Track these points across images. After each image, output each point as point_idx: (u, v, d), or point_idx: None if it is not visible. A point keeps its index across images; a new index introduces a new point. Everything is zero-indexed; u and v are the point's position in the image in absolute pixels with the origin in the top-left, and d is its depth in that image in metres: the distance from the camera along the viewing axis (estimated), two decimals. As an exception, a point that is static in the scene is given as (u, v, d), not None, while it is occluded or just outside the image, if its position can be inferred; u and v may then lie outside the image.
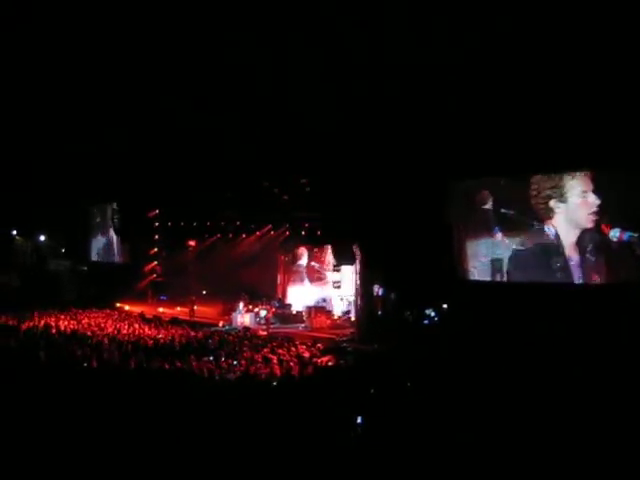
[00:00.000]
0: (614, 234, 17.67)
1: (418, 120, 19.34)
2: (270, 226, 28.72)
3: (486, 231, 20.42)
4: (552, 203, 18.70)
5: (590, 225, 18.07)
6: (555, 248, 18.73)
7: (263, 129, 22.03)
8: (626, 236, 17.43)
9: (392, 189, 20.98)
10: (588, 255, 18.21)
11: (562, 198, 18.55)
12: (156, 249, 31.25)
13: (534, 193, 19.00)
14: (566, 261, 18.59)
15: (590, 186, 18.01)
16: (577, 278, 18.48)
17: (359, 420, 10.06)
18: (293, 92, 19.92)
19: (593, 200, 17.97)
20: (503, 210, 19.91)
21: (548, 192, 18.75)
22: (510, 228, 19.77)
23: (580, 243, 18.29)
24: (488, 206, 20.25)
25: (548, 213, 18.82)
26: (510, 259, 19.80)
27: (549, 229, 18.79)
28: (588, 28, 15.46)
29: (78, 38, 18.87)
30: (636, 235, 17.27)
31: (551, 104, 17.18)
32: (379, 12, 16.58)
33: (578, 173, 18.25)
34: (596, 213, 17.91)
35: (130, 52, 19.34)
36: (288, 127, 21.44)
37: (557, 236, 18.68)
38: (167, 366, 14.83)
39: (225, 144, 23.29)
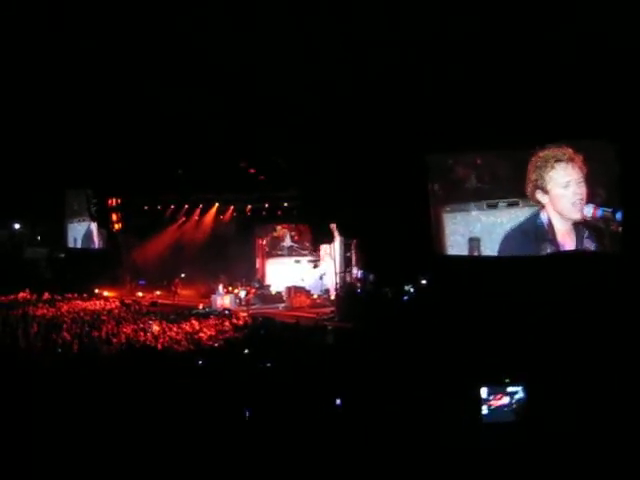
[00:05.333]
0: (588, 210, 17.79)
1: (396, 95, 19.23)
2: (249, 207, 28.52)
3: (464, 207, 20.44)
4: (539, 195, 18.81)
5: (578, 216, 18.20)
6: (545, 232, 18.86)
7: (238, 109, 21.85)
8: (599, 212, 17.55)
9: (369, 165, 20.92)
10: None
11: (545, 189, 18.67)
12: (133, 234, 30.96)
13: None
14: (553, 236, 18.74)
15: (574, 176, 18.08)
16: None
17: (338, 402, 10.09)
18: (268, 70, 19.74)
19: (575, 189, 18.07)
20: (482, 186, 19.97)
21: (534, 181, 18.81)
22: (489, 206, 19.85)
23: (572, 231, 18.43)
24: (468, 182, 20.26)
25: (538, 201, 18.95)
26: (491, 237, 19.86)
27: (543, 216, 18.87)
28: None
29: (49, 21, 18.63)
30: (609, 210, 17.38)
31: (530, 77, 17.17)
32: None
33: (557, 164, 18.29)
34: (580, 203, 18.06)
35: (103, 33, 19.08)
36: (264, 106, 21.27)
37: (550, 223, 18.79)
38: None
39: (200, 125, 23.09)
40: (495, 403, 10.19)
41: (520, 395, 10.21)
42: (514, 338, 13.82)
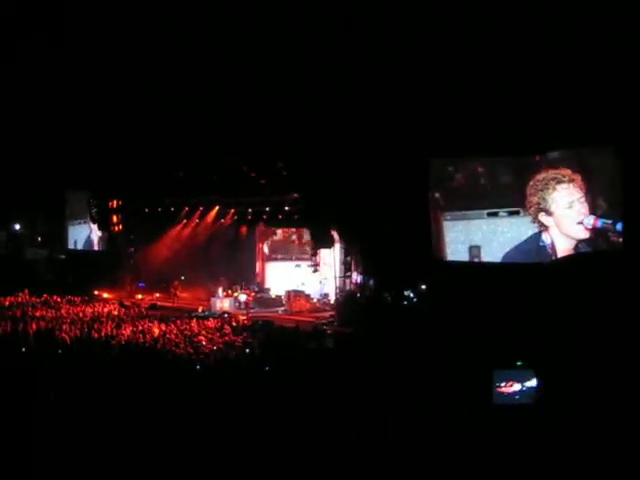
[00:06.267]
0: (588, 221, 17.76)
1: (398, 101, 19.26)
2: (250, 210, 28.50)
3: (465, 216, 20.43)
4: (542, 218, 18.79)
5: (583, 235, 18.14)
6: (548, 255, 18.81)
7: (240, 112, 21.88)
8: (600, 223, 17.52)
9: (370, 171, 20.94)
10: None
11: (549, 211, 18.66)
12: (133, 236, 31.02)
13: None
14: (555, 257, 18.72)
15: (576, 195, 18.05)
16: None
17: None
18: (269, 76, 19.78)
19: (579, 209, 18.02)
20: (482, 194, 19.98)
21: (536, 204, 18.81)
22: (490, 214, 19.86)
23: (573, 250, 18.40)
24: (469, 190, 20.26)
25: (542, 223, 18.90)
26: (492, 246, 19.86)
27: (545, 237, 18.84)
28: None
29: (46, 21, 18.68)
30: (609, 222, 17.36)
31: (532, 84, 17.20)
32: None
33: (559, 185, 18.29)
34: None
35: (103, 35, 19.13)
36: (265, 111, 21.31)
37: (552, 245, 18.77)
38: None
39: (202, 128, 23.12)
40: (506, 390, 10.50)
41: (532, 383, 10.51)
42: (518, 333, 13.98)
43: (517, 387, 10.58)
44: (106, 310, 23.72)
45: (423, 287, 21.64)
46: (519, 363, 10.99)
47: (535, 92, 17.30)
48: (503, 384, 10.59)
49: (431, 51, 17.62)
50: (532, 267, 18.76)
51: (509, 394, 10.57)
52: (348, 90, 19.51)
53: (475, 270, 20.14)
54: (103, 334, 18.45)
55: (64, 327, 19.20)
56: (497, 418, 10.13)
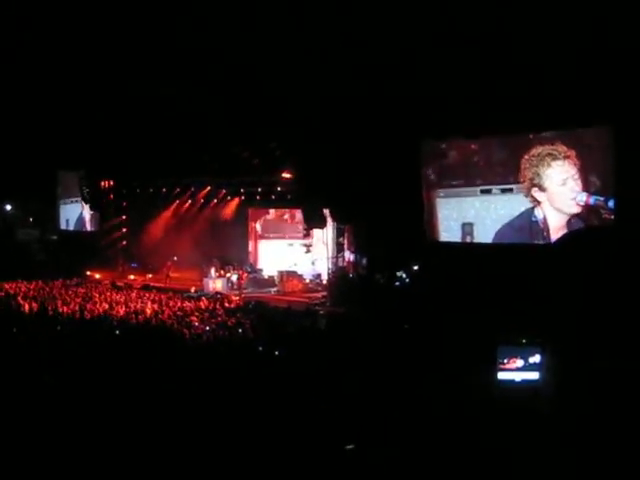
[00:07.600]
0: (581, 198, 17.77)
1: (388, 79, 19.17)
2: (243, 190, 28.44)
3: (458, 193, 20.43)
4: (536, 193, 18.75)
5: (575, 209, 18.12)
6: (540, 230, 18.80)
7: (233, 93, 21.79)
8: (592, 200, 17.54)
9: (362, 150, 20.89)
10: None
11: (542, 187, 18.61)
12: (125, 217, 30.95)
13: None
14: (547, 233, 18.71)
15: (571, 172, 18.01)
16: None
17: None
18: (261, 54, 19.66)
19: (572, 186, 18.00)
20: (475, 171, 19.96)
21: (530, 179, 18.77)
22: (483, 191, 19.85)
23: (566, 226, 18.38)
24: (462, 167, 20.24)
25: (535, 198, 18.86)
26: (485, 223, 19.86)
27: (538, 212, 18.81)
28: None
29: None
30: (602, 199, 17.38)
31: (525, 64, 17.14)
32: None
33: (554, 162, 18.25)
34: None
35: (97, 20, 19.02)
36: (258, 91, 21.21)
37: (545, 220, 18.74)
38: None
39: (194, 110, 23.01)
40: (509, 366, 10.51)
41: (536, 359, 10.50)
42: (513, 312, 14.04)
43: (520, 363, 10.56)
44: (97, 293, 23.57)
45: (415, 268, 21.65)
46: (524, 340, 10.95)
47: (530, 72, 17.23)
48: (506, 360, 10.56)
49: (425, 31, 17.54)
50: (525, 247, 18.80)
51: (512, 370, 10.57)
52: (340, 72, 19.41)
53: (468, 251, 20.16)
54: (96, 314, 18.49)
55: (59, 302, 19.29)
56: (500, 394, 10.17)
